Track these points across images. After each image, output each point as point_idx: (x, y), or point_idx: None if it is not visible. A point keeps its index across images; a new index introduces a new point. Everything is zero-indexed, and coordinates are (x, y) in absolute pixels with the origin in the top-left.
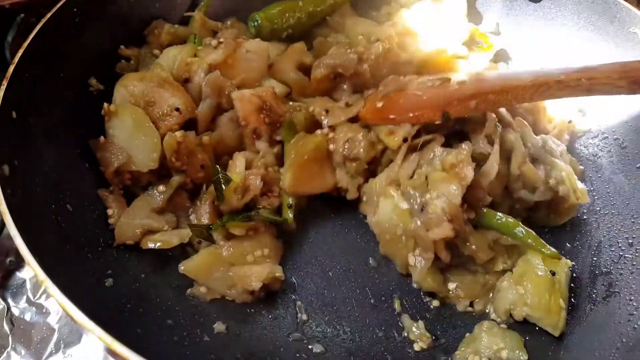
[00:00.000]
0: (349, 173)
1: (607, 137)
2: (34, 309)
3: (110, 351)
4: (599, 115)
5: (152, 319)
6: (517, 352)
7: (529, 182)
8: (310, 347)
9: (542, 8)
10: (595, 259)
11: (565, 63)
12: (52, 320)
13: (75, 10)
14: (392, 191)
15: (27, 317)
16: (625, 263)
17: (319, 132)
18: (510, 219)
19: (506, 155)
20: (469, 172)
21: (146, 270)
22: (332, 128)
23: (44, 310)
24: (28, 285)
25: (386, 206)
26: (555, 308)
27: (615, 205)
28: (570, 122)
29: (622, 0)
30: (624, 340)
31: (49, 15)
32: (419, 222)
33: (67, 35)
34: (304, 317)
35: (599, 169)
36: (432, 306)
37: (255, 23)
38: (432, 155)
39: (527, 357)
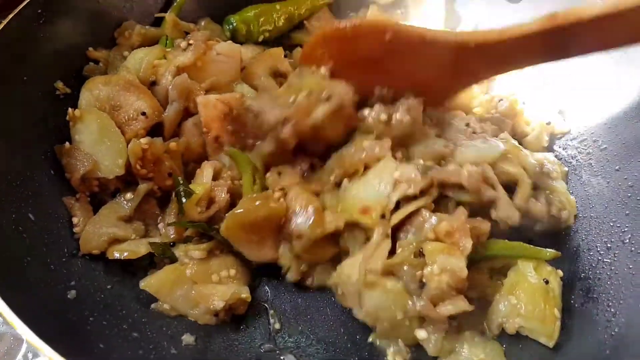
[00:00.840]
0: (292, 251)
1: (585, 139)
2: (1, 319)
3: None
4: (577, 117)
5: (117, 332)
6: None
7: (533, 216)
8: (282, 358)
9: (522, 9)
10: (573, 264)
11: (553, 68)
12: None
13: (40, 11)
14: (377, 279)
15: None
16: (603, 267)
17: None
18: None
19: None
20: (467, 244)
21: (112, 281)
22: (283, 191)
23: None
24: None
25: (374, 297)
26: (550, 317)
27: (593, 208)
28: (549, 123)
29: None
30: (600, 347)
31: (11, 15)
32: (422, 302)
33: (31, 37)
34: (277, 325)
35: (578, 171)
36: None
37: (230, 26)
38: (420, 221)
39: None
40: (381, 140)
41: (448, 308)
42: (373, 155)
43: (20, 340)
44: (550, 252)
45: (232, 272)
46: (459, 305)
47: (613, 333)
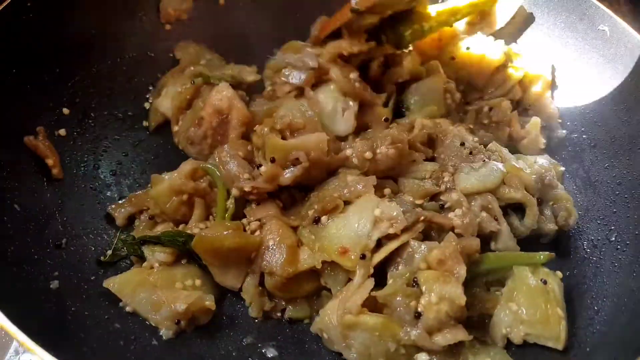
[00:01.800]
0: (256, 287)
1: (576, 136)
2: None
3: None
4: (569, 116)
5: (98, 323)
6: None
7: (542, 233)
8: (264, 351)
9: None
10: (559, 262)
11: (539, 61)
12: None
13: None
14: (356, 318)
15: None
16: (589, 266)
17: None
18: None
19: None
20: (462, 270)
21: (95, 273)
22: (260, 222)
23: None
24: None
25: (360, 336)
26: (554, 318)
27: (582, 206)
28: (544, 126)
29: None
30: (581, 345)
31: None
32: (416, 331)
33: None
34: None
35: (568, 169)
36: None
37: None
38: (410, 252)
39: None
40: (366, 176)
41: (446, 337)
42: (355, 191)
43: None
44: (544, 254)
45: (198, 282)
46: (457, 335)
47: (594, 331)
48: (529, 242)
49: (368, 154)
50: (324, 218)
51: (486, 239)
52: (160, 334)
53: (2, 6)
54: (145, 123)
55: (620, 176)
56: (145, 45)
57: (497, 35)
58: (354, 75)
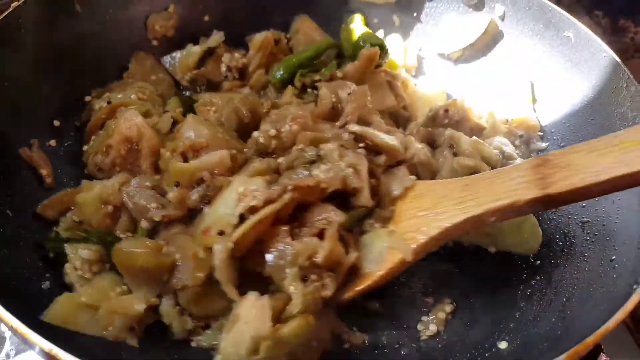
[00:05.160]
0: (173, 307)
1: (546, 136)
2: None
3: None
4: (538, 116)
5: None
6: None
7: None
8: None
9: (484, 19)
10: (534, 254)
11: (509, 71)
12: (4, 327)
13: None
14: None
15: None
16: (561, 257)
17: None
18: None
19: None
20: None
21: None
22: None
23: None
24: None
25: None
26: None
27: None
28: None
29: (555, 5)
30: (553, 329)
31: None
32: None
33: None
34: None
35: None
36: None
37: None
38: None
39: None
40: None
41: None
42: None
43: (3, 339)
44: None
45: (124, 287)
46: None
47: (565, 316)
48: None
49: (272, 132)
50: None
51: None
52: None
53: None
54: None
55: None
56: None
57: (468, 50)
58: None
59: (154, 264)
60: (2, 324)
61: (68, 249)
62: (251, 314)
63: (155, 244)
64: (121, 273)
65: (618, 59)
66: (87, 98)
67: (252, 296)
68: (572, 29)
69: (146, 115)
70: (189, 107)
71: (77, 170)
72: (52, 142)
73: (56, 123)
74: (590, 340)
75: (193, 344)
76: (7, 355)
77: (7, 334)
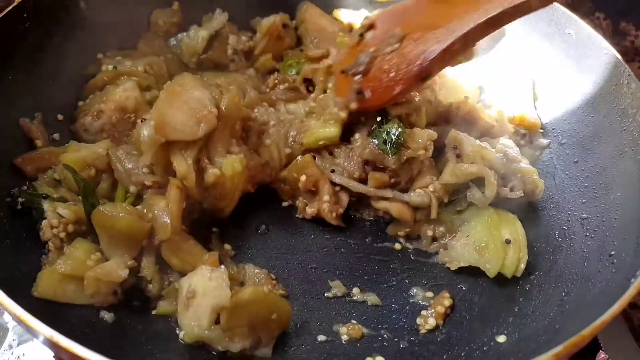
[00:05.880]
0: (155, 266)
1: (547, 133)
2: None
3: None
4: (539, 113)
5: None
6: None
7: (512, 199)
8: None
9: None
10: (534, 250)
11: (511, 68)
12: (7, 318)
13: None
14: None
15: None
16: (560, 253)
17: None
18: None
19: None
20: None
21: None
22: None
23: None
24: None
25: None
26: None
27: (553, 199)
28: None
29: (556, 2)
30: (552, 322)
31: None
32: None
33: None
34: None
35: (539, 164)
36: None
37: None
38: None
39: None
40: None
41: None
42: None
43: (6, 330)
44: None
45: (99, 255)
46: None
47: (563, 310)
48: None
49: None
50: None
51: None
52: (103, 316)
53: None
54: None
55: (587, 169)
56: None
57: None
58: None
59: (133, 227)
60: (4, 316)
61: (46, 205)
62: (210, 285)
63: (136, 210)
64: (99, 236)
65: (619, 56)
66: (99, 55)
67: (205, 270)
68: (574, 27)
69: (147, 89)
70: None
71: None
72: (56, 136)
73: (59, 117)
74: (587, 332)
75: (154, 311)
76: (10, 346)
77: (10, 324)
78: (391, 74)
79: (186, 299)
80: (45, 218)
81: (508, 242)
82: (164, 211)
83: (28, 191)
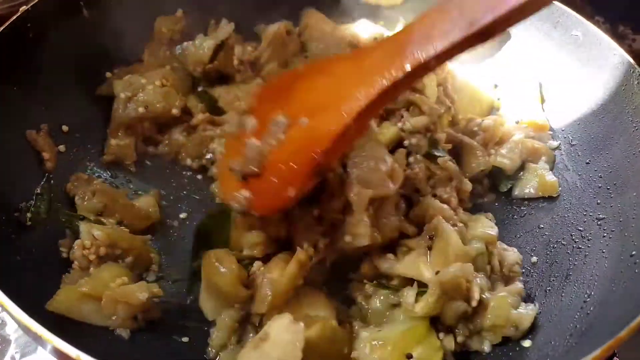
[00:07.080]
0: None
1: (557, 135)
2: None
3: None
4: (549, 116)
5: None
6: None
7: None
8: None
9: None
10: (550, 251)
11: (517, 71)
12: (10, 330)
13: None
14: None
15: None
16: (578, 254)
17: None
18: None
19: None
20: None
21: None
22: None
23: (0, 322)
24: None
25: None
26: None
27: (567, 200)
28: (517, 122)
29: (562, 4)
30: (577, 325)
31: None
32: None
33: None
34: None
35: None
36: None
37: None
38: None
39: None
40: None
41: None
42: None
43: (9, 341)
44: None
45: (125, 279)
46: None
47: (588, 312)
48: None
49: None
50: None
51: None
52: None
53: (4, 27)
54: None
55: (601, 170)
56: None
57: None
58: None
59: (231, 293)
60: (6, 328)
61: (82, 226)
62: (284, 338)
63: (244, 270)
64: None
65: (629, 57)
66: (108, 74)
67: (286, 319)
68: (581, 28)
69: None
70: (210, 104)
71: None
72: (61, 148)
73: (64, 128)
74: (624, 334)
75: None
76: (12, 358)
77: (13, 336)
78: (281, 172)
79: (259, 339)
80: (79, 238)
81: (409, 357)
82: (272, 284)
83: (66, 211)
